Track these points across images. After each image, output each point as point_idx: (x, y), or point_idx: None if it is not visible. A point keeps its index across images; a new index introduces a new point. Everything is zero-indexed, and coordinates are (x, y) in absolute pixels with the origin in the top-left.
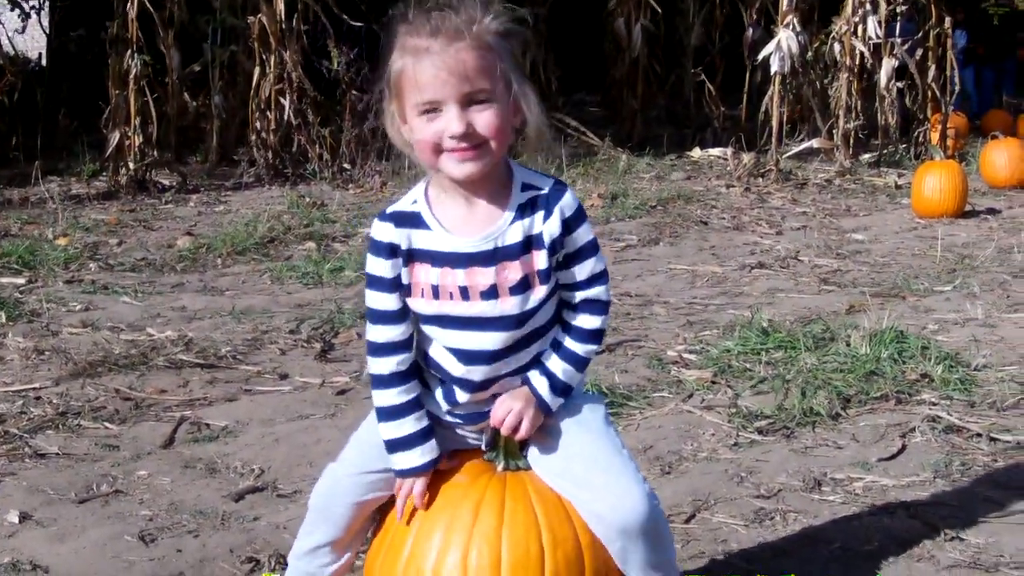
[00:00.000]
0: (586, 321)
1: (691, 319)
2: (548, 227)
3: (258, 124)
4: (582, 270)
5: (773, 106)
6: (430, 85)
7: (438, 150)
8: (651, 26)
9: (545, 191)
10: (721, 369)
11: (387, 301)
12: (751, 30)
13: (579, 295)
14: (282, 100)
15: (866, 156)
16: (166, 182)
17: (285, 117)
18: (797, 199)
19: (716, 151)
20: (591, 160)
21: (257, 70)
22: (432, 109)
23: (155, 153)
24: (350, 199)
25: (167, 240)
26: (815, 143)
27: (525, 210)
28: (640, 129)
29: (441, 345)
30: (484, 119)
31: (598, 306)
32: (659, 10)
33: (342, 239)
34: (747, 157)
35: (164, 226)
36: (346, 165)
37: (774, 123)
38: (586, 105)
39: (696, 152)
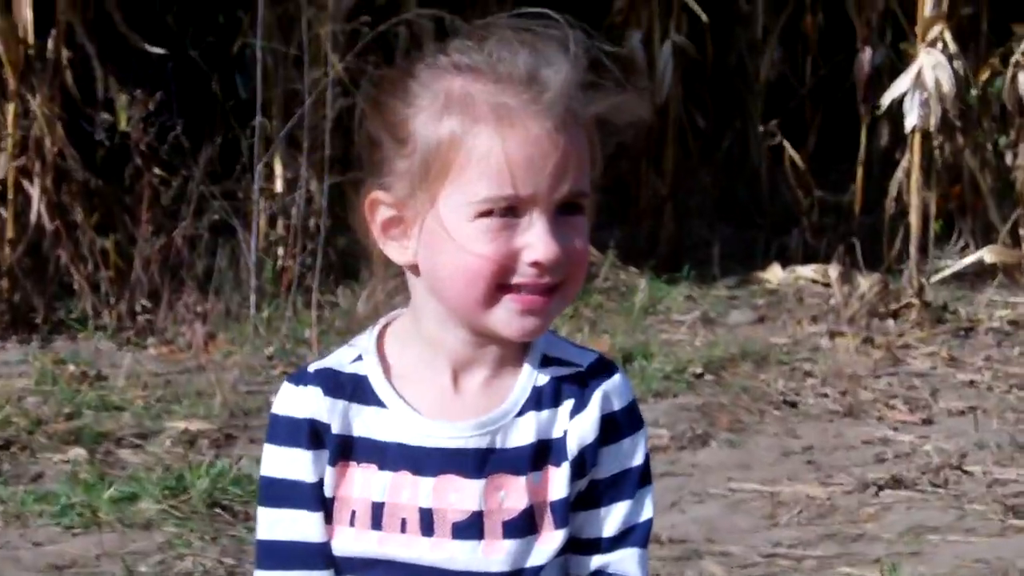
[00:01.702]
0: None
1: None
2: (577, 427)
3: None
4: (612, 515)
5: (911, 188)
6: (522, 173)
7: (497, 285)
8: (690, 46)
9: (580, 369)
10: None
11: (304, 527)
12: (868, 52)
13: (596, 561)
14: (26, 185)
15: None
16: None
17: (32, 216)
18: (958, 358)
19: (809, 270)
20: (586, 289)
21: None
22: (508, 212)
23: None
24: (150, 366)
25: None
26: (987, 254)
27: (544, 397)
28: (671, 231)
29: None
30: (575, 239)
31: None
32: (704, 17)
33: (134, 441)
34: (865, 282)
35: None
36: (143, 303)
37: (913, 219)
38: None
39: (774, 273)
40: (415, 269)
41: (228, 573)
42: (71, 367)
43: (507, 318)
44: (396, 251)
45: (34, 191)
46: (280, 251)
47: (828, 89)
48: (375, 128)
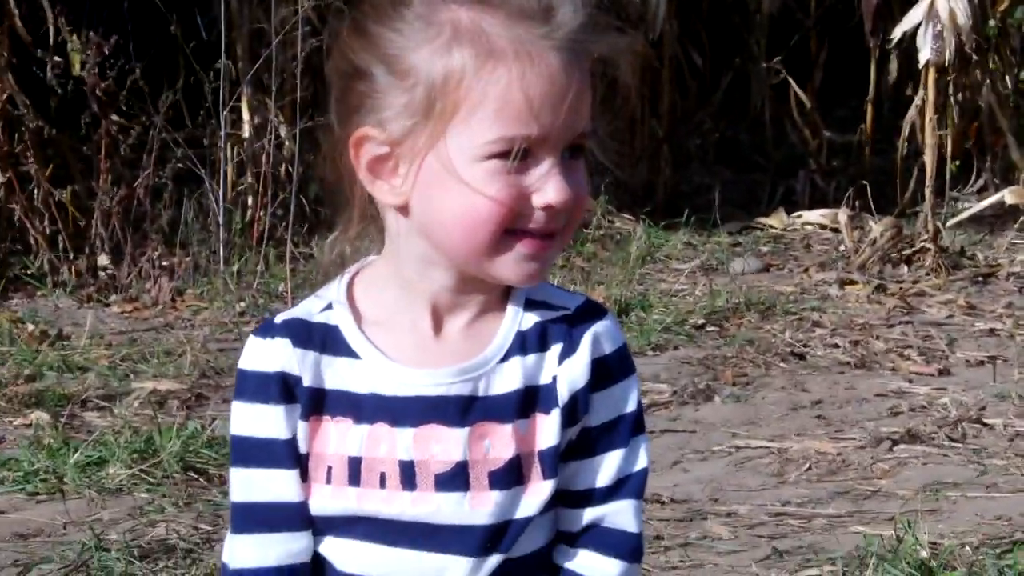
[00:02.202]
0: (594, 567)
1: (780, 545)
2: (567, 372)
3: None
4: (606, 465)
5: (924, 127)
6: (542, 111)
7: (503, 229)
8: None
9: (568, 311)
10: None
11: (279, 486)
12: None
13: (589, 514)
14: None
15: None
16: None
17: None
18: (976, 305)
19: (816, 215)
20: (578, 238)
21: None
22: (521, 153)
23: None
24: (113, 324)
25: None
26: (1008, 196)
27: (529, 341)
28: (668, 177)
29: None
30: (579, 182)
31: (621, 541)
32: None
33: (100, 403)
34: (877, 226)
35: None
36: (103, 259)
37: (927, 160)
38: None
39: (779, 219)
40: (404, 210)
41: (204, 540)
42: (30, 326)
43: (512, 264)
44: (384, 191)
45: None
46: (249, 201)
47: (835, 22)
48: (363, 60)
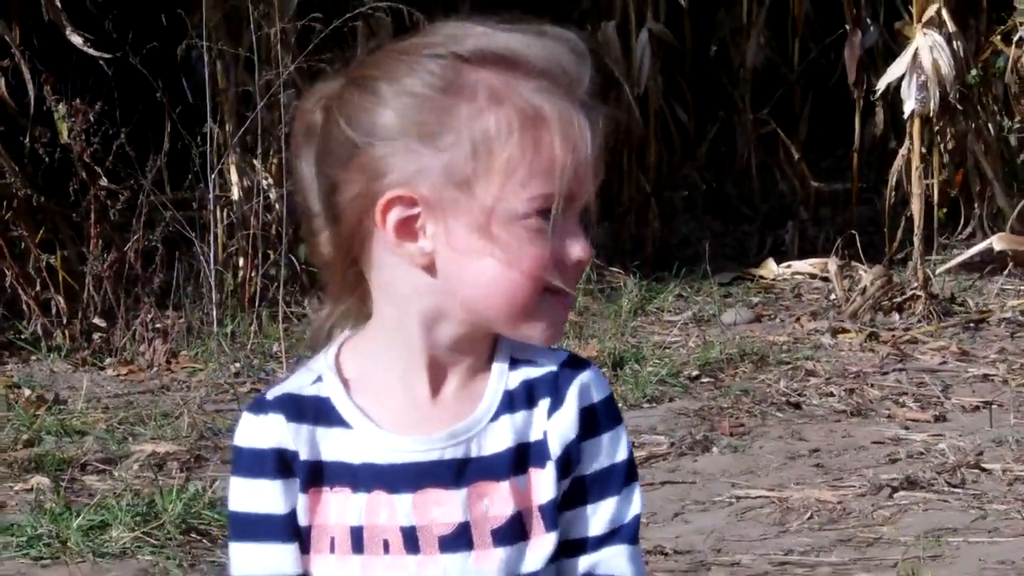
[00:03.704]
0: None
1: None
2: (557, 425)
3: None
4: (599, 513)
5: (911, 176)
6: (579, 170)
7: (538, 288)
8: (668, 34)
9: (552, 367)
10: None
11: (278, 561)
12: (859, 34)
13: (584, 562)
14: None
15: None
16: None
17: None
18: (969, 351)
19: (806, 265)
20: None
21: None
22: (563, 210)
23: None
24: (109, 387)
25: None
26: (996, 242)
27: (517, 399)
28: (657, 230)
29: None
30: (588, 242)
31: None
32: (683, 2)
33: (100, 466)
34: (868, 275)
35: None
36: (97, 321)
37: (914, 208)
38: None
39: (769, 269)
40: (430, 270)
41: None
42: (26, 391)
43: (546, 324)
44: (412, 253)
45: None
46: (241, 262)
47: (818, 75)
48: (384, 121)
